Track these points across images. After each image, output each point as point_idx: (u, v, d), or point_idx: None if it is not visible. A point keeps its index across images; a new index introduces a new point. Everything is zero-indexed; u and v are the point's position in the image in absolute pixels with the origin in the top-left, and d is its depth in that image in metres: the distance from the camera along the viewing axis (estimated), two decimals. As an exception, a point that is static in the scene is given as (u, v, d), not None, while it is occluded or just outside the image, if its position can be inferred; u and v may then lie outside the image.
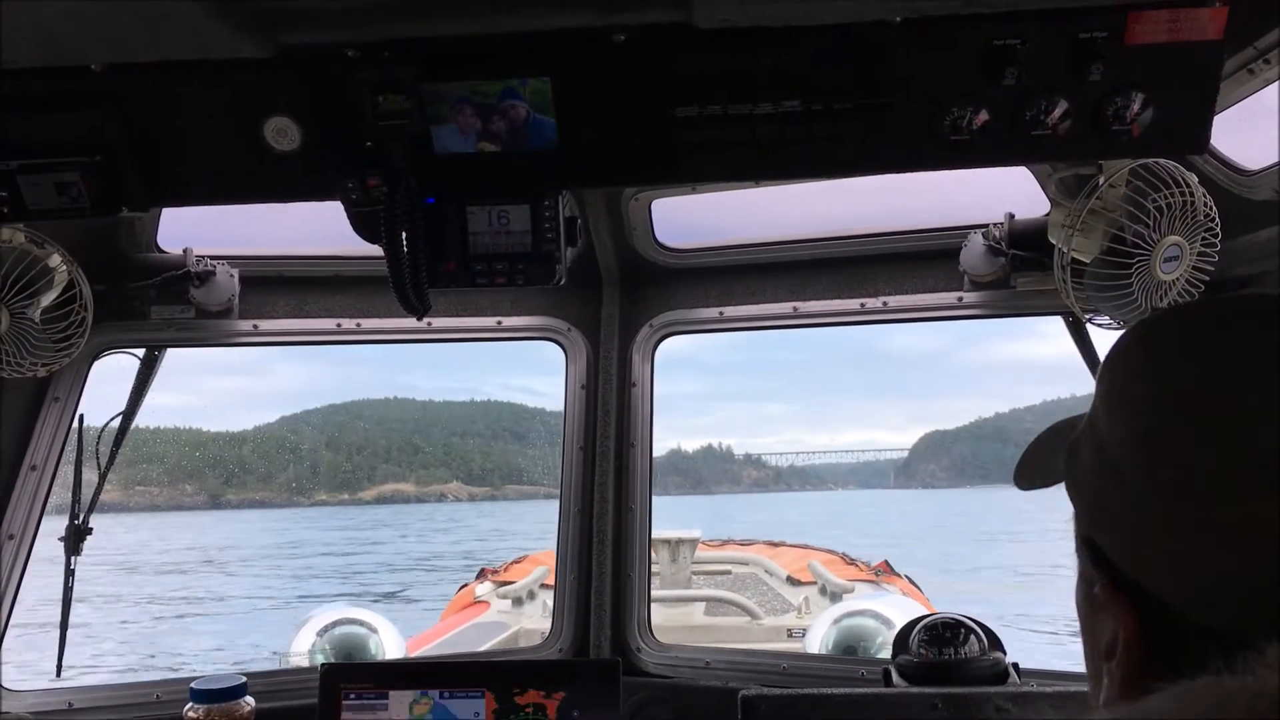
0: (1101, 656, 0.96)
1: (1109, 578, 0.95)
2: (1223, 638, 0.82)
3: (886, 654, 3.67)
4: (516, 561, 9.34)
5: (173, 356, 3.45)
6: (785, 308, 3.41)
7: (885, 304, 3.30)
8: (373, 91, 2.04)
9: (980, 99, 2.00)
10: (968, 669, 2.65)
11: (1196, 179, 2.44)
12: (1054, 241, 2.65)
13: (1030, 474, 1.21)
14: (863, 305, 3.33)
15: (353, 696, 2.47)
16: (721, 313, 3.46)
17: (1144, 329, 1.01)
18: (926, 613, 2.88)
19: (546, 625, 7.20)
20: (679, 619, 7.52)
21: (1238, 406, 0.87)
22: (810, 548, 9.58)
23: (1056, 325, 3.20)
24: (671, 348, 3.59)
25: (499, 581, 8.75)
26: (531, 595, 8.31)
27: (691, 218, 3.59)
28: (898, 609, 5.30)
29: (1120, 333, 1.03)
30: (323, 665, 2.54)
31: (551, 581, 8.27)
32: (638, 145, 2.14)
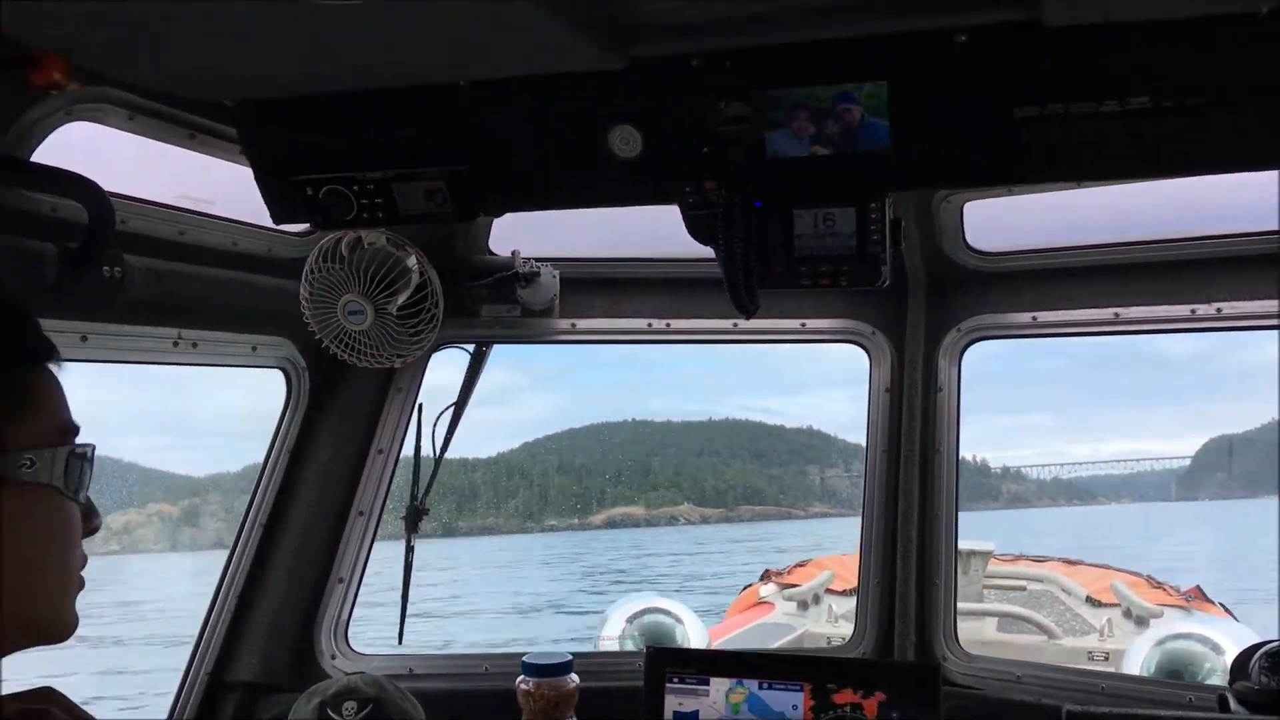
0: None
1: None
2: None
3: (1215, 681, 3.43)
4: (800, 565, 9.36)
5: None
6: (1106, 314, 3.24)
7: (1219, 310, 3.07)
8: (714, 99, 2.13)
9: None
10: (1318, 701, 2.45)
11: None
12: None
13: None
14: (1193, 311, 3.11)
15: (675, 680, 2.58)
16: (1035, 318, 3.33)
17: None
18: (1268, 639, 2.68)
19: (832, 630, 7.26)
20: (970, 634, 7.26)
21: None
22: (1110, 568, 9.06)
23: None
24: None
25: (783, 584, 8.79)
26: (816, 599, 8.30)
27: (1004, 220, 3.49)
28: (1228, 635, 4.93)
29: None
30: (648, 648, 2.66)
31: (836, 587, 8.30)
32: (971, 147, 2.12)
